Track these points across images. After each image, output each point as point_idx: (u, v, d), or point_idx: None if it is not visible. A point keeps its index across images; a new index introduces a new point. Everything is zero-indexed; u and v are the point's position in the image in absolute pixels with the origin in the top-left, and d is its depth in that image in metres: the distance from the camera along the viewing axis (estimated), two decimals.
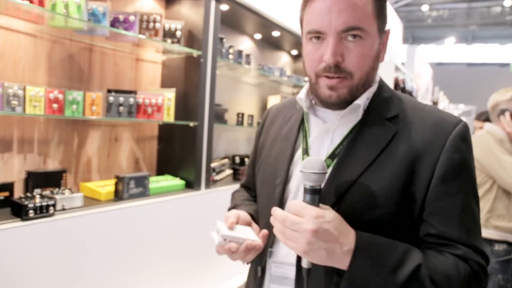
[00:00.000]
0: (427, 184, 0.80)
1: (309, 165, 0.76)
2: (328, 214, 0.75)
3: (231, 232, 0.88)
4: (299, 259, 0.82)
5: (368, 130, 0.86)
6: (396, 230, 0.81)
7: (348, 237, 0.75)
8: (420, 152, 0.81)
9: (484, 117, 3.17)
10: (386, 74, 4.05)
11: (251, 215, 1.01)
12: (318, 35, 0.83)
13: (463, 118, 0.89)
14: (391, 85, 4.02)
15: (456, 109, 13.91)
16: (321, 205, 0.77)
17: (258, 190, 1.03)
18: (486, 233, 2.42)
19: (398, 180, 0.80)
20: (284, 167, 0.94)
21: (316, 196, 0.76)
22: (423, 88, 7.16)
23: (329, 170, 0.84)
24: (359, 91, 0.85)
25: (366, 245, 0.75)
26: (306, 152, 0.91)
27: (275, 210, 0.79)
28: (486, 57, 19.05)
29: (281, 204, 0.91)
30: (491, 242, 2.39)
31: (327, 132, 0.90)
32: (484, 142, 2.32)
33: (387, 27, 0.88)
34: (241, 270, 2.81)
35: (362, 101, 0.86)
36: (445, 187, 0.80)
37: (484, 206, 2.39)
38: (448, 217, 0.80)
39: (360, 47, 0.81)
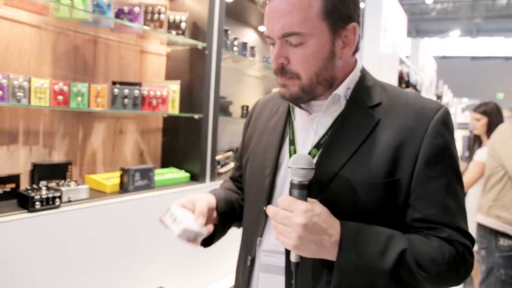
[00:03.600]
0: (411, 170, 0.83)
1: (297, 161, 0.78)
2: (316, 208, 0.78)
3: (189, 225, 0.91)
4: (288, 251, 0.85)
5: (351, 119, 0.88)
6: (382, 217, 0.83)
7: (334, 228, 0.78)
8: (403, 139, 0.83)
9: (482, 109, 3.13)
10: (390, 67, 4.02)
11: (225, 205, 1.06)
12: (270, 40, 0.88)
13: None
14: (395, 78, 3.99)
15: (459, 103, 13.84)
16: (308, 199, 0.80)
17: (247, 181, 1.06)
18: (487, 221, 2.42)
19: (382, 168, 0.82)
20: (273, 158, 0.96)
21: (304, 191, 0.79)
22: (427, 82, 7.12)
23: (315, 160, 0.87)
24: (318, 88, 0.88)
25: (351, 235, 0.78)
26: (292, 143, 0.94)
27: (269, 207, 0.82)
28: (490, 50, 18.92)
29: (271, 195, 0.94)
30: (496, 235, 2.39)
31: (312, 123, 0.93)
32: (502, 132, 2.31)
33: (352, 22, 0.86)
34: None
35: (341, 91, 0.89)
36: (429, 172, 0.82)
37: (490, 194, 2.38)
38: (432, 201, 0.83)
39: (302, 50, 0.83)
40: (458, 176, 0.86)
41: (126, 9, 2.10)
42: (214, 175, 2.57)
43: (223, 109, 2.83)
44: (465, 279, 0.86)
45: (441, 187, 0.83)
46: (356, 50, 0.92)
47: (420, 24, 18.42)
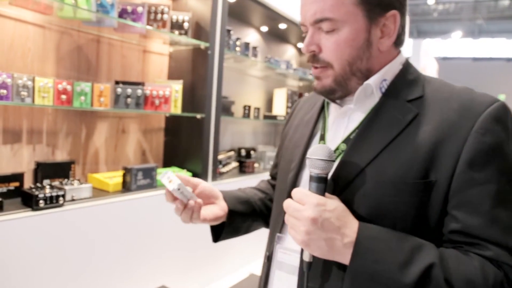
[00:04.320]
0: (451, 171, 0.71)
1: (316, 151, 0.73)
2: (330, 203, 0.71)
3: (183, 186, 0.92)
4: (302, 250, 0.79)
5: (385, 113, 0.79)
6: (411, 225, 0.73)
7: (351, 228, 0.70)
8: (444, 135, 0.73)
9: None
10: None
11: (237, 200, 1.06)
12: (304, 27, 0.84)
13: None
14: None
15: None
16: (327, 194, 0.74)
17: (278, 177, 1.02)
18: None
19: (415, 166, 0.72)
20: (300, 152, 0.91)
21: (321, 184, 0.73)
22: None
23: (341, 156, 0.81)
24: (351, 80, 0.82)
25: (369, 238, 0.69)
26: (322, 138, 0.89)
27: (286, 200, 0.77)
28: (492, 51, 18.88)
29: (293, 188, 0.88)
30: None
31: (343, 116, 0.86)
32: None
33: (392, 9, 0.80)
34: (249, 261, 2.82)
35: (373, 81, 0.81)
36: (473, 174, 0.70)
37: None
38: (475, 210, 0.69)
39: (334, 37, 0.78)
40: None
41: (129, 9, 2.11)
42: (216, 175, 2.58)
43: (225, 109, 2.84)
44: None
45: (488, 194, 0.69)
46: (399, 42, 0.85)
47: (422, 25, 18.41)
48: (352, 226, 0.71)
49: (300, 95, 3.83)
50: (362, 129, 0.80)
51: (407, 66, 0.86)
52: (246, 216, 1.07)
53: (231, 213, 1.03)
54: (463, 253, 0.69)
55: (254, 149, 3.38)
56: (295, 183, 0.89)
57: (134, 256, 2.07)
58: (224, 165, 2.87)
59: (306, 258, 0.76)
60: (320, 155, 0.73)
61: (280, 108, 3.70)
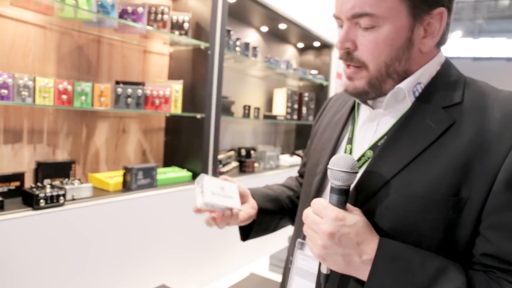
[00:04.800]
0: (487, 189, 0.65)
1: (338, 162, 0.69)
2: (350, 218, 0.67)
3: (213, 199, 0.88)
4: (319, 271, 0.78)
5: (417, 120, 0.73)
6: (437, 244, 0.67)
7: (370, 245, 0.66)
8: (482, 148, 0.66)
9: None
10: None
11: (261, 197, 1.02)
12: (338, 21, 0.77)
13: None
14: None
15: None
16: (348, 205, 0.70)
17: (304, 178, 0.98)
18: None
19: (446, 181, 0.66)
20: (327, 155, 0.86)
21: (343, 197, 0.69)
22: None
23: (367, 163, 0.76)
24: (386, 82, 0.75)
25: (389, 257, 0.65)
26: (350, 141, 0.84)
27: (306, 209, 0.74)
28: (492, 51, 18.87)
29: (318, 194, 0.86)
30: None
31: (372, 120, 0.81)
32: None
33: (439, 7, 0.73)
34: (249, 261, 2.83)
35: (406, 86, 0.75)
36: (511, 195, 0.63)
37: None
38: (511, 233, 0.64)
39: (373, 35, 0.71)
40: None
41: (129, 9, 2.12)
42: (216, 175, 2.59)
43: (225, 109, 2.84)
44: None
45: None
46: (442, 42, 0.78)
47: None
48: (372, 242, 0.67)
49: (300, 95, 3.84)
50: (391, 136, 0.74)
51: (447, 67, 0.79)
52: (275, 214, 1.05)
53: (261, 211, 1.01)
54: (495, 280, 0.64)
55: (254, 149, 3.39)
56: (320, 188, 0.86)
57: (134, 255, 2.08)
58: (224, 165, 2.88)
59: (324, 270, 0.73)
60: (343, 166, 0.68)
61: (280, 108, 3.71)
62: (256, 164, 3.30)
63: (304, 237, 0.85)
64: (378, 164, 0.73)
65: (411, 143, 0.71)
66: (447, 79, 0.76)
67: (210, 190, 0.89)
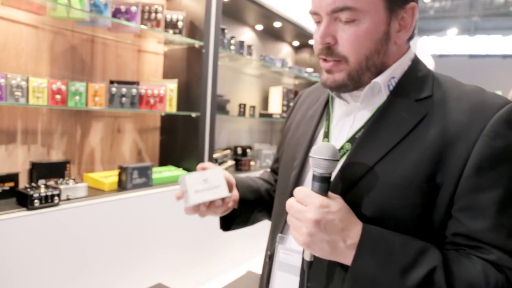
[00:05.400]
0: (458, 175, 0.69)
1: (320, 150, 0.71)
2: (334, 204, 0.69)
3: (198, 198, 0.88)
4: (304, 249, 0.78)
5: (392, 112, 0.77)
6: (415, 227, 0.71)
7: (354, 230, 0.69)
8: (453, 137, 0.70)
9: None
10: None
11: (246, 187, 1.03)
12: (315, 17, 0.78)
13: None
14: None
15: None
16: (330, 193, 0.72)
17: (279, 173, 1.00)
18: None
19: (422, 169, 0.70)
20: (303, 150, 0.88)
21: (324, 184, 0.71)
22: None
23: (346, 155, 0.78)
24: (365, 75, 0.78)
25: (373, 241, 0.68)
26: (326, 135, 0.86)
27: (289, 199, 0.75)
28: (488, 48, 18.92)
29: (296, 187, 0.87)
30: None
31: (349, 114, 0.83)
32: None
33: (411, 1, 0.77)
34: (246, 258, 2.83)
35: (382, 80, 0.78)
36: (480, 179, 0.68)
37: None
38: (479, 214, 0.68)
39: (354, 28, 0.73)
40: None
41: (123, 8, 2.11)
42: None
43: (220, 107, 2.84)
44: None
45: (494, 200, 0.68)
46: (412, 36, 0.81)
47: (418, 23, 18.44)
48: (355, 227, 0.69)
49: (296, 93, 3.84)
50: (368, 128, 0.78)
51: (416, 63, 0.83)
52: (255, 205, 1.05)
53: (242, 202, 1.02)
54: (465, 257, 0.69)
55: (250, 147, 3.39)
56: (298, 182, 0.87)
57: (130, 255, 2.08)
58: (220, 163, 2.88)
59: (307, 257, 0.74)
60: (324, 154, 0.70)
61: (275, 106, 3.71)
62: (252, 163, 3.30)
63: (283, 231, 0.87)
64: (357, 156, 0.76)
65: (388, 134, 0.75)
66: (417, 74, 0.80)
67: (193, 189, 0.89)
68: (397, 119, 0.75)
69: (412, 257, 0.66)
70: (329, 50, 0.76)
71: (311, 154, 0.72)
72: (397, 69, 0.80)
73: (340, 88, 0.80)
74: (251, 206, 1.04)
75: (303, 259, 0.76)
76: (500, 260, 0.67)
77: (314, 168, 0.72)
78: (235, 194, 1.01)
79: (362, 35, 0.74)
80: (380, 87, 0.78)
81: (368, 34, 0.74)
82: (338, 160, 0.71)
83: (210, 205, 0.92)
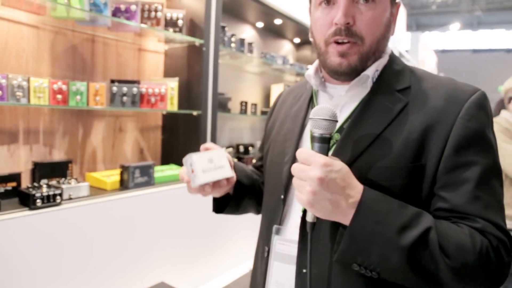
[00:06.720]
0: (439, 155, 0.76)
1: (320, 112, 0.74)
2: (336, 163, 0.72)
3: (205, 177, 0.89)
4: (303, 222, 0.81)
5: (376, 102, 0.82)
6: None
7: (355, 189, 0.72)
8: (432, 122, 0.77)
9: None
10: None
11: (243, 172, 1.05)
12: None
13: None
14: None
15: None
16: (330, 155, 0.75)
17: (267, 169, 1.02)
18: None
19: (407, 152, 0.76)
20: (293, 145, 0.91)
21: (325, 145, 0.74)
22: None
23: (336, 145, 0.82)
24: (370, 60, 0.83)
25: (373, 200, 0.72)
26: None
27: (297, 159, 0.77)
28: (491, 43, 18.81)
29: (289, 182, 0.89)
30: None
31: (335, 107, 0.85)
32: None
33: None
34: (248, 257, 2.84)
35: (370, 72, 0.83)
36: (458, 158, 0.75)
37: None
38: (459, 190, 0.74)
39: (372, 11, 0.79)
40: (494, 166, 0.76)
41: (122, 7, 2.11)
42: None
43: (221, 105, 2.84)
44: (499, 283, 0.74)
45: (472, 176, 0.74)
46: (393, 33, 0.89)
47: (420, 18, 18.32)
48: (356, 187, 0.73)
49: None
50: (355, 118, 0.82)
51: (394, 57, 0.89)
52: (247, 191, 1.07)
53: (238, 185, 1.03)
54: (454, 223, 0.74)
55: (252, 145, 3.39)
56: (290, 177, 0.88)
57: (132, 253, 2.08)
58: None
59: (310, 218, 0.76)
60: (324, 115, 0.73)
61: None
62: (254, 160, 3.30)
63: (281, 223, 0.90)
64: (347, 144, 0.81)
65: (374, 122, 0.80)
66: (396, 68, 0.87)
67: (200, 168, 0.89)
68: (381, 108, 0.82)
69: (409, 218, 0.71)
70: (349, 30, 0.80)
71: (311, 116, 0.75)
72: (380, 63, 0.86)
73: (352, 74, 0.83)
74: (244, 191, 1.06)
75: (301, 249, 0.80)
76: (485, 227, 0.73)
77: (314, 129, 0.75)
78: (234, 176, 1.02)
79: (378, 17, 0.80)
80: (367, 79, 0.84)
81: (381, 17, 0.81)
82: (337, 121, 0.75)
83: (215, 185, 0.94)
